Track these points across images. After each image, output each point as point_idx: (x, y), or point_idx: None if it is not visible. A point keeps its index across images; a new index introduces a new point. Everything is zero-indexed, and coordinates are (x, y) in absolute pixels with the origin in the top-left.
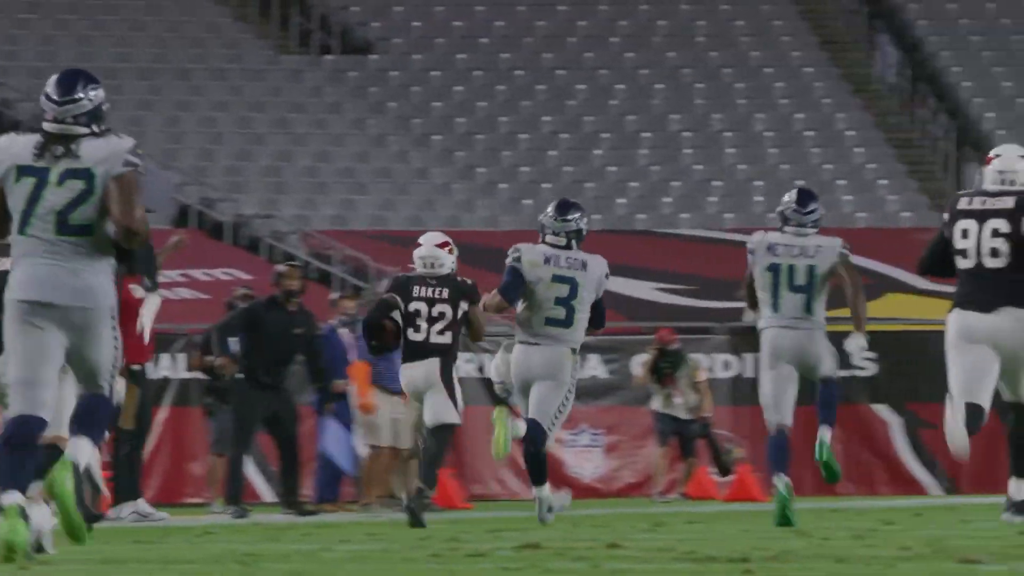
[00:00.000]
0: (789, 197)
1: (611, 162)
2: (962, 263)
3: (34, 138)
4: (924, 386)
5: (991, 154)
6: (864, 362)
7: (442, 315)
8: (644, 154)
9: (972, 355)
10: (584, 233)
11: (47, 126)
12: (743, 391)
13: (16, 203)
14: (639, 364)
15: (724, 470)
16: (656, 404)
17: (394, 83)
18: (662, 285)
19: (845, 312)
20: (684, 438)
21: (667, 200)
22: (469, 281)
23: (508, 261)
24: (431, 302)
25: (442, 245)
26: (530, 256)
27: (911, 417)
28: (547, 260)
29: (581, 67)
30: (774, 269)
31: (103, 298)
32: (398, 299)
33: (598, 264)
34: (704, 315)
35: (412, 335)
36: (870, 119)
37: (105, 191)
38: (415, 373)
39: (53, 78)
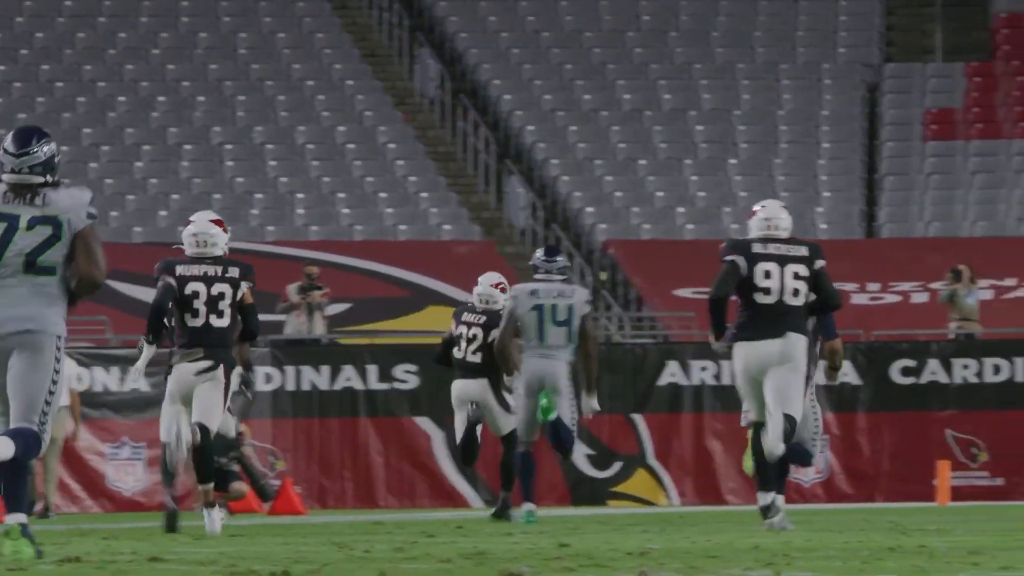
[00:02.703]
0: (539, 252)
1: (153, 174)
2: (763, 299)
3: None
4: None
5: (756, 207)
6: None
7: (475, 337)
8: (186, 166)
9: (759, 385)
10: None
11: (5, 177)
12: (283, 404)
13: None
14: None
15: (264, 496)
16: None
17: None
18: None
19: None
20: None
21: None
22: None
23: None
24: (469, 326)
25: (496, 285)
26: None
27: (452, 430)
28: None
29: (122, 79)
30: (538, 309)
31: (51, 326)
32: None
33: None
34: None
35: (456, 353)
36: (411, 132)
37: (73, 243)
38: (468, 386)
39: (10, 133)
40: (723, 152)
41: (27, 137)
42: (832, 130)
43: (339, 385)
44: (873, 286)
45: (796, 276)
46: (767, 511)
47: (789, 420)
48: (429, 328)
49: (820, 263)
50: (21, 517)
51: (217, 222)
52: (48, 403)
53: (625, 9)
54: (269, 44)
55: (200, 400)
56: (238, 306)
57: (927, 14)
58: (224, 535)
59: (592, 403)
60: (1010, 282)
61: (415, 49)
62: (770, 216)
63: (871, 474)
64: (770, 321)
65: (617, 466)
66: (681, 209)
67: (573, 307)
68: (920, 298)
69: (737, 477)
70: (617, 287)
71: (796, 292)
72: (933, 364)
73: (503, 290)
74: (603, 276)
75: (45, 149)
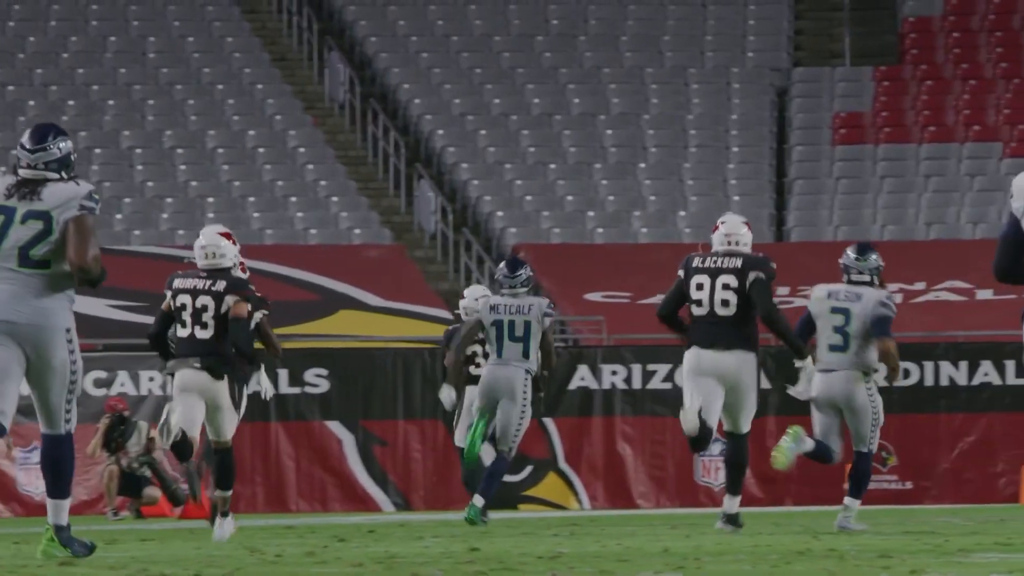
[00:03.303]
0: (502, 265)
1: None
2: (697, 311)
3: (7, 180)
4: (376, 403)
5: (718, 222)
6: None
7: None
8: (95, 170)
9: (703, 385)
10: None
11: (21, 172)
12: None
13: None
14: (94, 436)
15: (176, 501)
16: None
17: None
18: (114, 302)
19: None
20: (132, 481)
21: (119, 216)
22: None
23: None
24: (483, 343)
25: (482, 298)
26: (818, 293)
27: (364, 434)
28: (829, 295)
29: (32, 83)
30: (498, 324)
31: (56, 319)
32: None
33: (872, 295)
34: None
35: (474, 371)
36: (321, 136)
37: (64, 232)
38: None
39: (28, 130)
40: (632, 156)
41: (43, 134)
42: (741, 134)
43: (250, 389)
44: (782, 290)
45: (725, 287)
46: (731, 519)
47: (738, 439)
48: (340, 332)
49: (754, 274)
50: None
51: (225, 235)
52: (71, 392)
53: (534, 14)
54: (178, 48)
55: (210, 423)
56: (224, 319)
57: (835, 18)
58: (135, 539)
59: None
60: (919, 286)
61: (325, 53)
62: (730, 231)
63: (780, 478)
64: (707, 332)
65: (528, 470)
66: (591, 213)
67: (530, 324)
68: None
69: (647, 481)
70: None
71: (725, 303)
72: None
73: None
74: None
75: (61, 146)
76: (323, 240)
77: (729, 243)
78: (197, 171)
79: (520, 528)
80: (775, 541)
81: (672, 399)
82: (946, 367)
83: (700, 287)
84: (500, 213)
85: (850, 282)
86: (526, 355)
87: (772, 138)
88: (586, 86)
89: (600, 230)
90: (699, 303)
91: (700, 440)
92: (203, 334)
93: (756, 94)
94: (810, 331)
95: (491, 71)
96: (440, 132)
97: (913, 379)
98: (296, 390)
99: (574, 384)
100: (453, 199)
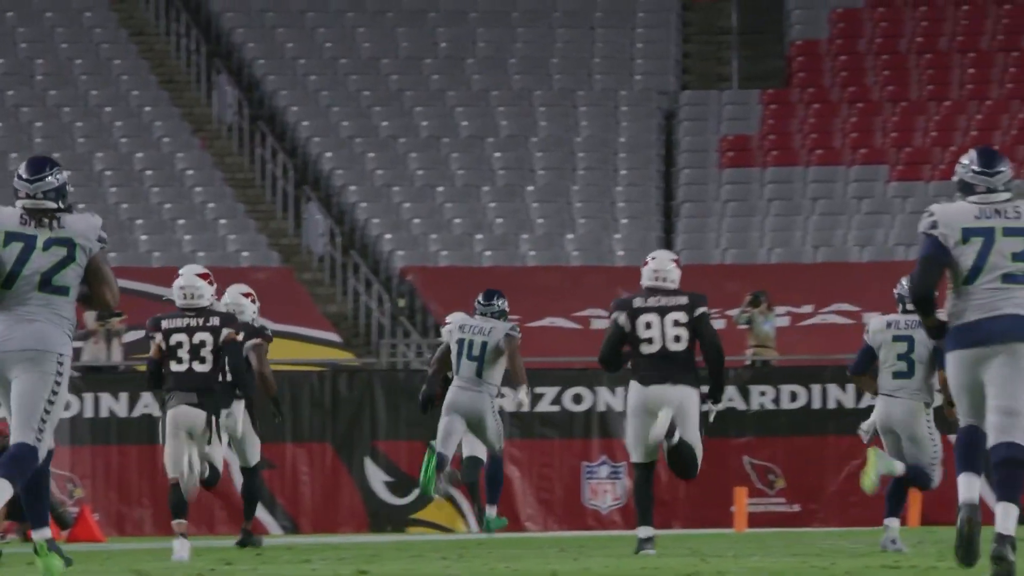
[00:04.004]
0: (482, 295)
1: None
2: (647, 348)
3: (16, 210)
4: (265, 426)
5: (648, 258)
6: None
7: None
8: None
9: (648, 423)
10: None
11: (20, 202)
12: (81, 431)
13: (4, 263)
14: None
15: (62, 524)
16: None
17: None
18: None
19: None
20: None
21: None
22: None
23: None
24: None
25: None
26: (876, 325)
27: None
28: (889, 324)
29: None
30: (460, 343)
31: (52, 344)
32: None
33: None
34: None
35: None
36: (209, 159)
37: (88, 268)
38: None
39: (24, 162)
40: (520, 179)
41: (40, 165)
42: (629, 157)
43: (137, 412)
44: None
45: (676, 323)
46: (644, 544)
47: (687, 447)
48: None
49: (701, 310)
50: (46, 532)
51: (203, 276)
52: (47, 412)
53: (422, 36)
54: (66, 71)
55: (197, 447)
56: (221, 346)
57: (723, 42)
58: (22, 563)
59: (520, 395)
60: (806, 309)
61: (213, 75)
62: (659, 268)
63: (668, 500)
64: (656, 368)
65: (416, 493)
66: (479, 236)
67: (487, 344)
68: (717, 325)
69: (535, 504)
70: (415, 314)
71: (677, 339)
72: (730, 391)
73: None
74: (401, 303)
75: (58, 176)
76: (211, 262)
77: (657, 279)
78: (85, 193)
79: (409, 551)
80: (663, 564)
81: (560, 422)
82: (833, 390)
83: (649, 326)
84: (388, 236)
85: (905, 311)
86: (479, 374)
87: (660, 161)
88: (474, 109)
89: (488, 253)
90: (649, 341)
91: (646, 477)
92: (202, 368)
93: (644, 117)
94: (869, 363)
95: (379, 94)
96: (328, 155)
97: (800, 402)
98: None
99: None
100: (341, 222)
